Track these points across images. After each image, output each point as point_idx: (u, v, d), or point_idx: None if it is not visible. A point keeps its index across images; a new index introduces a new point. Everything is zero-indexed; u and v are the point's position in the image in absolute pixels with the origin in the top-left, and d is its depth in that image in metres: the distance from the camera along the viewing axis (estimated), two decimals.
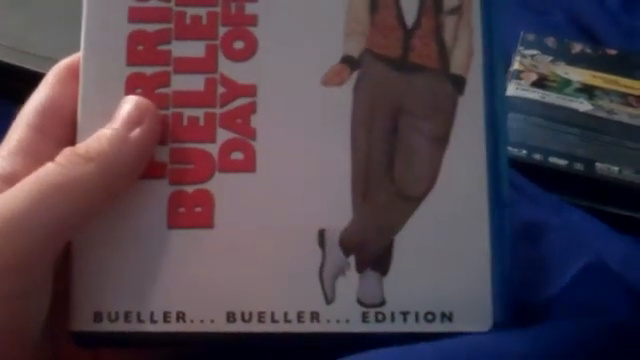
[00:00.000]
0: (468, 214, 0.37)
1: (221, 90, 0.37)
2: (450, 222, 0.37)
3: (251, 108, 0.37)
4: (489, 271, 0.36)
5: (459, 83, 0.37)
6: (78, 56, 0.38)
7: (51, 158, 0.35)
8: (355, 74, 0.37)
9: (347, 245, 0.36)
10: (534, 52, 0.80)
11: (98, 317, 0.36)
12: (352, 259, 0.36)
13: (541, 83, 0.76)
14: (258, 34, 0.38)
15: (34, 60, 0.60)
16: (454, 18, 0.38)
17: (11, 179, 0.35)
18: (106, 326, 0.36)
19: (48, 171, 0.34)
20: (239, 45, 0.38)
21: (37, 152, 0.36)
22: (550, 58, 0.80)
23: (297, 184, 0.37)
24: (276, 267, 0.36)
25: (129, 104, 0.36)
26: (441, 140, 0.37)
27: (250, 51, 0.38)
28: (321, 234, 0.36)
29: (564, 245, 0.51)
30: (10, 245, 0.32)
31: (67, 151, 0.35)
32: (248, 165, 0.37)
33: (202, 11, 0.38)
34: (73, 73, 0.38)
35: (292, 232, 0.36)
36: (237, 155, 0.37)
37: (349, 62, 0.37)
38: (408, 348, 0.35)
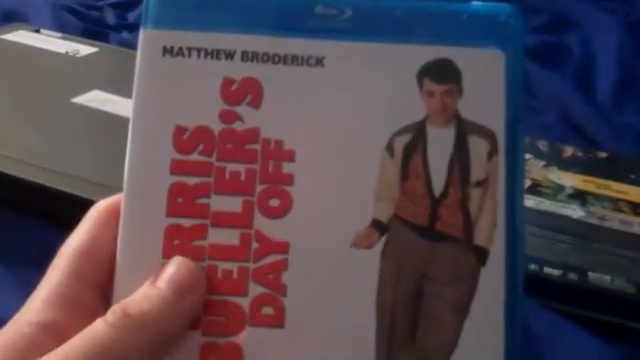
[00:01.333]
0: None
1: (255, 245, 0.39)
2: None
3: (283, 265, 0.39)
4: None
5: (482, 254, 0.39)
6: (118, 198, 0.40)
7: (90, 306, 0.37)
8: (384, 238, 0.39)
9: None
10: (527, 156, 0.82)
11: None
12: None
13: (535, 189, 0.78)
14: (293, 193, 0.39)
15: (50, 176, 0.61)
16: (480, 191, 0.40)
17: (52, 328, 0.36)
18: None
19: (99, 333, 0.35)
20: (275, 203, 0.39)
21: (77, 300, 0.37)
22: (543, 163, 0.83)
23: (323, 343, 0.38)
24: None
25: (183, 268, 0.38)
26: (462, 309, 0.39)
27: (285, 209, 0.39)
28: None
29: None
30: None
31: (118, 311, 0.35)
32: (277, 321, 0.38)
33: (241, 167, 0.40)
34: (113, 215, 0.39)
35: None
36: (267, 310, 0.38)
37: (378, 226, 0.39)
38: None
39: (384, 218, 0.39)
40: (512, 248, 0.40)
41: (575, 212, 0.78)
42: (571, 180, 0.82)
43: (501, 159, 0.40)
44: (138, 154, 0.40)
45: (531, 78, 1.06)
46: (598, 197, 0.80)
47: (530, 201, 0.77)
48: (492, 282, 0.39)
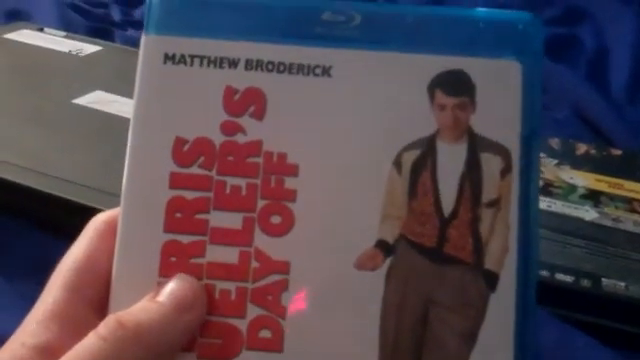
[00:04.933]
0: None
1: (255, 265, 0.37)
2: None
3: (283, 285, 0.37)
4: None
5: (492, 280, 0.37)
6: (116, 212, 0.38)
7: (87, 323, 0.35)
8: (389, 260, 0.37)
9: None
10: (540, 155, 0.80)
11: None
12: None
13: (547, 190, 0.77)
14: (296, 210, 0.38)
15: (50, 182, 0.60)
16: (491, 211, 0.38)
17: (46, 349, 0.34)
18: None
19: (90, 347, 0.33)
20: (276, 220, 0.38)
21: (73, 317, 0.36)
22: (555, 161, 0.81)
23: None
24: None
25: (185, 283, 0.36)
26: (470, 336, 0.37)
27: (287, 227, 0.38)
28: None
29: None
30: None
31: (112, 322, 0.34)
32: (276, 345, 0.37)
33: (242, 182, 0.38)
34: (111, 229, 0.38)
35: None
36: (265, 333, 0.37)
37: (383, 247, 0.37)
38: None
39: (390, 238, 0.38)
40: (524, 273, 0.38)
41: (588, 214, 0.76)
42: (583, 179, 0.80)
43: (515, 178, 0.38)
44: (137, 166, 0.38)
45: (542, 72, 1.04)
46: (612, 197, 0.79)
47: (542, 203, 0.75)
48: (502, 309, 0.37)
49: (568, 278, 0.68)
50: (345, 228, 0.38)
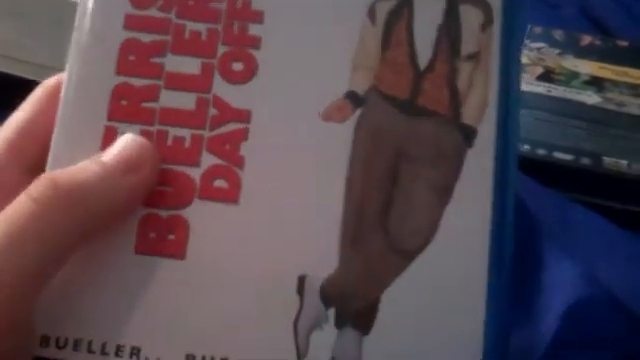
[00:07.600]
0: (465, 276, 0.34)
1: (213, 112, 0.35)
2: (444, 283, 0.34)
3: (242, 135, 0.35)
4: (482, 340, 0.34)
5: (469, 134, 0.35)
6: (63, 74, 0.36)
7: (21, 182, 0.32)
8: (358, 111, 0.35)
9: (328, 296, 0.34)
10: (541, 45, 0.77)
11: (44, 341, 0.33)
12: (332, 312, 0.34)
13: (547, 76, 0.74)
14: (260, 57, 0.35)
15: (26, 68, 0.58)
16: (470, 65, 0.35)
17: None
18: (52, 352, 0.33)
19: (21, 209, 0.30)
20: (238, 67, 0.35)
21: (8, 180, 0.34)
22: (557, 51, 0.77)
23: (281, 222, 0.34)
24: (247, 311, 0.34)
25: (130, 143, 0.34)
26: (444, 192, 0.35)
27: (249, 74, 0.35)
28: (301, 280, 0.34)
29: (559, 275, 0.50)
30: None
31: (44, 182, 0.31)
32: (231, 195, 0.34)
33: (203, 27, 0.35)
34: (59, 91, 0.35)
35: (269, 275, 0.34)
36: (221, 183, 0.34)
37: (353, 98, 0.35)
38: None
39: (360, 90, 0.35)
40: (504, 130, 0.35)
41: (590, 98, 0.72)
42: (587, 67, 0.77)
43: (496, 31, 0.36)
44: (89, 9, 0.36)
45: None
46: (616, 83, 0.75)
47: (540, 87, 0.72)
48: (479, 166, 0.35)
49: (567, 156, 0.65)
50: (313, 78, 0.35)
